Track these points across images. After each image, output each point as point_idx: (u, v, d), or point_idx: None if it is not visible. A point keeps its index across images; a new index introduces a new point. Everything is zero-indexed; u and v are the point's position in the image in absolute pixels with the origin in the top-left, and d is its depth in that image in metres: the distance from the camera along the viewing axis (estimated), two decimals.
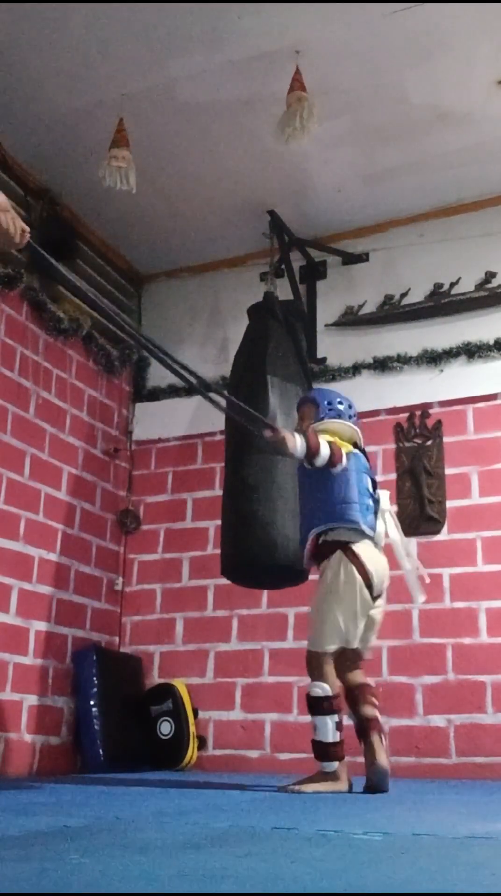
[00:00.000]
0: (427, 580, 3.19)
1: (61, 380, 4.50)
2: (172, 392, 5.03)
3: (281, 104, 3.56)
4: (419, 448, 4.44)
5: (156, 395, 5.10)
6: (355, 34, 3.57)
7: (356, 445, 3.12)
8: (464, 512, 4.27)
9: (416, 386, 4.51)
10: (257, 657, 4.45)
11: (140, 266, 5.30)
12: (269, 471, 3.80)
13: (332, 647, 2.88)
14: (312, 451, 2.89)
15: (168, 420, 5.01)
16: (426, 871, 1.27)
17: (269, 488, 3.76)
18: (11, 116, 4.01)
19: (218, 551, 4.04)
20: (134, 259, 5.23)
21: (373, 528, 2.98)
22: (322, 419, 3.14)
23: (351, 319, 4.78)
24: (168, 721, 4.35)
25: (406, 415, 4.52)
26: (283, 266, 4.79)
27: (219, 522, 4.11)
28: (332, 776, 2.81)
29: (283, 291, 4.65)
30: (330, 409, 3.17)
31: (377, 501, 3.05)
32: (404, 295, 4.68)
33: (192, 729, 4.35)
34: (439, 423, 4.44)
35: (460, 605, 4.14)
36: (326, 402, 3.19)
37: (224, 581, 4.19)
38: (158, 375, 5.09)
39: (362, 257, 4.85)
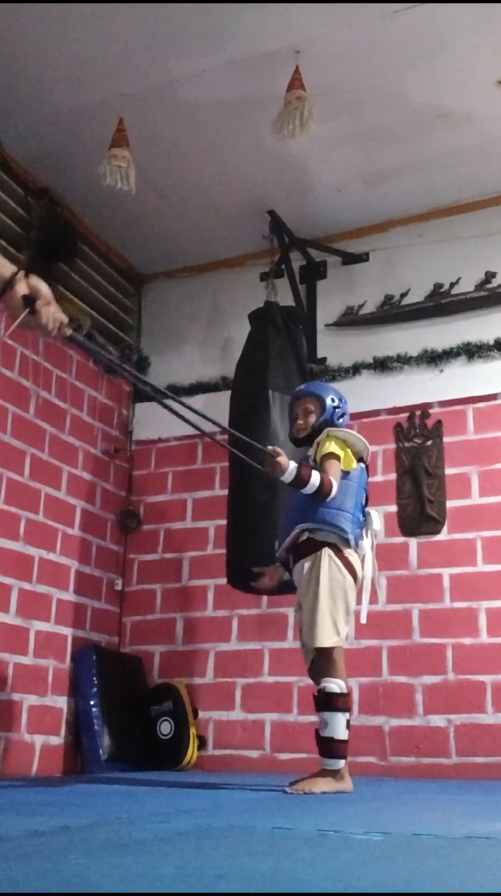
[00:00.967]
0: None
1: (61, 380, 4.50)
2: (172, 392, 5.03)
3: (281, 104, 3.56)
4: (419, 448, 4.44)
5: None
6: (355, 34, 3.57)
7: (361, 459, 3.08)
8: (464, 512, 4.27)
9: (416, 386, 4.51)
10: (257, 657, 4.45)
11: (140, 266, 5.31)
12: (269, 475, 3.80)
13: (342, 642, 2.88)
14: (301, 481, 2.86)
15: (168, 420, 4.97)
16: (426, 871, 1.27)
17: (275, 492, 3.74)
18: (11, 116, 4.01)
19: (218, 551, 4.04)
20: (134, 259, 5.23)
21: (357, 543, 2.97)
22: (338, 424, 3.08)
23: (351, 319, 4.78)
24: (168, 721, 4.35)
25: (406, 415, 4.52)
26: (283, 266, 4.79)
27: (219, 522, 4.11)
28: (337, 775, 2.81)
29: (283, 291, 4.65)
30: (340, 412, 3.10)
31: (366, 516, 3.04)
32: (404, 295, 4.68)
33: (192, 729, 4.35)
34: (439, 423, 4.44)
35: (460, 605, 4.14)
36: (332, 402, 3.10)
37: (224, 581, 4.19)
38: (159, 375, 5.10)
39: (362, 257, 4.85)
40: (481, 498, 4.26)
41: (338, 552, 2.91)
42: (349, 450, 3.03)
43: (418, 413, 4.50)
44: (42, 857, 1.30)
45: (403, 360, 4.56)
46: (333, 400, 3.11)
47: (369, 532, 3.03)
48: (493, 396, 4.37)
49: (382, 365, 4.60)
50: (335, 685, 2.82)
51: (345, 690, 2.83)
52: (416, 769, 3.97)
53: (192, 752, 4.31)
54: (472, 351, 4.42)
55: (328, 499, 2.88)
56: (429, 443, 4.43)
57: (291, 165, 4.36)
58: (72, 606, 4.38)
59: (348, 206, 4.70)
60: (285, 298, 4.65)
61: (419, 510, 4.34)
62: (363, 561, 3.01)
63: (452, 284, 4.56)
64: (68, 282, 4.58)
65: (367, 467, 3.12)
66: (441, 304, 4.57)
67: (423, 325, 4.60)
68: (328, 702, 2.82)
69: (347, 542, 2.93)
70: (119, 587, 4.81)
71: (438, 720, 4.02)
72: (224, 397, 4.45)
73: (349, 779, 2.85)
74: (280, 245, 4.78)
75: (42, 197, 4.42)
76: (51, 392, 4.40)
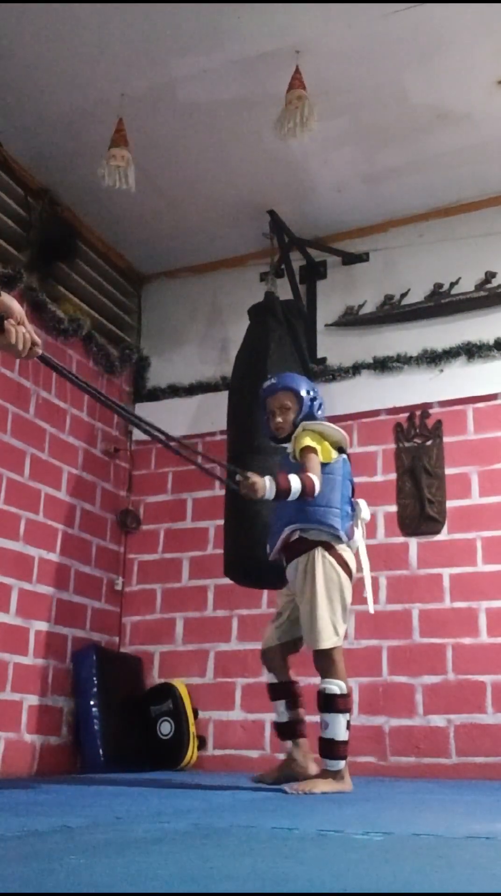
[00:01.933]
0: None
1: (61, 380, 4.49)
2: (172, 392, 5.04)
3: (282, 104, 3.56)
4: (419, 448, 4.44)
5: (156, 395, 5.09)
6: (355, 34, 3.57)
7: (341, 450, 3.06)
8: (464, 512, 4.27)
9: (416, 386, 4.50)
10: (257, 657, 4.44)
11: (140, 266, 5.30)
12: (270, 470, 3.80)
13: (341, 641, 2.88)
14: (283, 492, 2.84)
15: (168, 420, 4.99)
16: (426, 871, 1.27)
17: None
18: (11, 116, 4.01)
19: (218, 551, 4.03)
20: (134, 259, 5.23)
21: (349, 537, 2.97)
22: (314, 417, 3.05)
23: (351, 319, 4.78)
24: (168, 721, 4.35)
25: (406, 415, 4.52)
26: (283, 266, 4.79)
27: (219, 522, 4.10)
28: (338, 776, 2.81)
29: (283, 291, 4.65)
30: (316, 404, 3.06)
31: (354, 508, 3.03)
32: (404, 295, 4.68)
33: (192, 729, 4.35)
34: (439, 423, 4.44)
35: (460, 605, 4.14)
36: (308, 394, 3.06)
37: (224, 581, 4.19)
38: (159, 375, 5.10)
39: (362, 257, 4.84)
40: (481, 498, 4.26)
41: (330, 549, 2.91)
42: (326, 442, 3.01)
43: (418, 413, 4.49)
44: (42, 857, 1.30)
45: (403, 360, 4.56)
46: (308, 392, 3.08)
47: (360, 522, 3.03)
48: (493, 396, 4.37)
49: (382, 365, 4.60)
50: (335, 686, 2.82)
51: (345, 691, 2.83)
52: (416, 769, 3.97)
53: (192, 752, 4.31)
54: (472, 351, 4.42)
55: (314, 495, 2.87)
56: (429, 443, 4.43)
57: (291, 165, 4.36)
58: (72, 606, 4.38)
59: (348, 206, 4.69)
60: (286, 298, 4.65)
61: (419, 510, 4.34)
62: (357, 554, 3.01)
63: (452, 284, 4.56)
64: (68, 282, 4.57)
65: (348, 457, 3.10)
66: (441, 304, 4.57)
67: (423, 325, 4.60)
68: (328, 703, 2.82)
69: (338, 539, 2.93)
70: (119, 587, 4.80)
71: (438, 720, 4.02)
72: (224, 397, 4.45)
73: (350, 779, 2.85)
74: (280, 245, 4.78)
75: (42, 197, 4.42)
76: (51, 392, 4.40)
